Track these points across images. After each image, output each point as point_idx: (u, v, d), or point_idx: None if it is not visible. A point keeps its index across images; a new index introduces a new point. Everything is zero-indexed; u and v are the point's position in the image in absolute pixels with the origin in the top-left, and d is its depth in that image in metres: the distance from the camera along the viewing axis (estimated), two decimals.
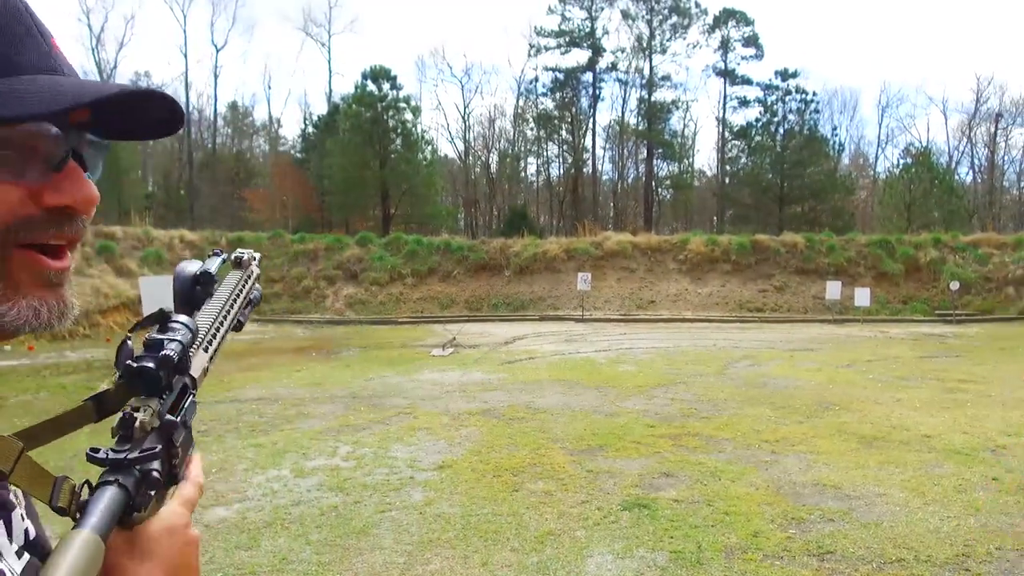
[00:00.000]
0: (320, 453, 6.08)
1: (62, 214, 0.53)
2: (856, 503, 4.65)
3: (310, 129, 44.88)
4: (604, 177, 50.72)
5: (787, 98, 40.34)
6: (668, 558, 3.87)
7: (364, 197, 37.03)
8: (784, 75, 40.66)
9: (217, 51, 47.30)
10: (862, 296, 20.56)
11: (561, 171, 50.44)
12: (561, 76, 45.86)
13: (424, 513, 4.60)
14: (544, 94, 47.44)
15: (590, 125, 47.04)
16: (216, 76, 52.72)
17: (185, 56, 44.81)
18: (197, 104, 48.00)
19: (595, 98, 46.22)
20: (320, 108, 47.69)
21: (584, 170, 47.11)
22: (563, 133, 47.95)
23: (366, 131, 35.86)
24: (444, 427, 7.09)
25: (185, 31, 45.13)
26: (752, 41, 44.65)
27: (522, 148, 51.31)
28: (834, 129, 44.69)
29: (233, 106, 50.81)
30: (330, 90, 45.79)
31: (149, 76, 48.29)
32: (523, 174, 52.68)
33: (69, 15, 41.71)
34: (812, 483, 5.12)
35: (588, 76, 45.74)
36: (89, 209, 0.55)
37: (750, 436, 6.64)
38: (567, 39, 45.30)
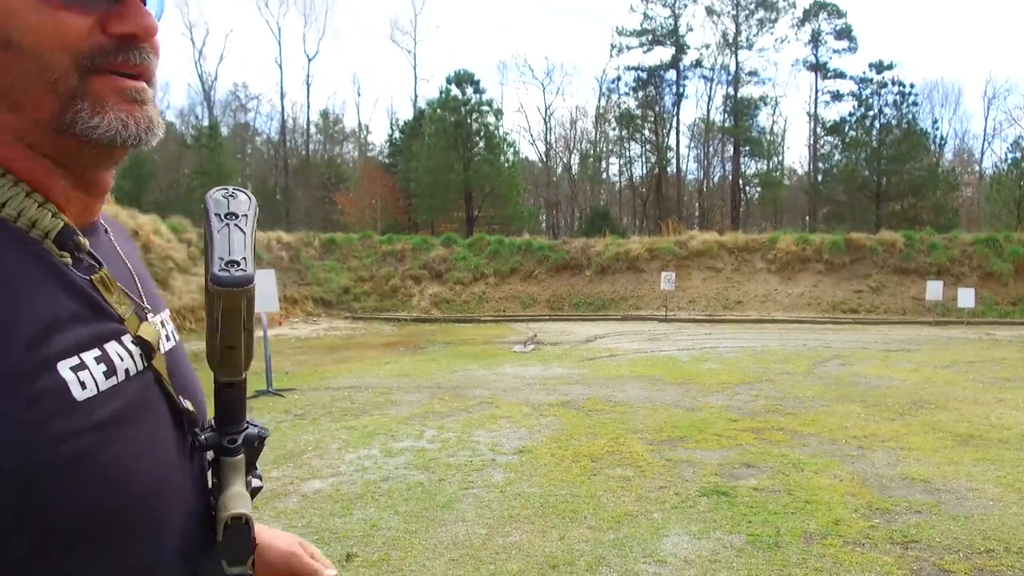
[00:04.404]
0: (407, 436, 6.37)
1: (128, 42, 0.59)
2: (946, 496, 4.51)
3: (396, 134, 46.22)
4: (689, 176, 49.91)
5: (883, 91, 38.39)
6: (745, 540, 3.89)
7: (448, 199, 37.82)
8: (879, 67, 38.76)
9: (309, 61, 49.56)
10: (966, 297, 19.41)
11: (644, 171, 49.91)
12: (644, 75, 45.43)
13: (504, 492, 4.78)
14: (626, 93, 47.16)
15: (674, 123, 46.42)
16: (308, 85, 55.07)
17: (280, 67, 47.14)
18: (291, 112, 50.28)
19: (679, 96, 45.55)
20: (406, 114, 49.11)
21: (668, 169, 46.47)
22: (646, 132, 47.43)
23: (450, 135, 36.62)
24: (524, 416, 7.27)
25: (280, 42, 47.41)
26: (845, 33, 42.88)
27: (604, 148, 51.12)
28: (935, 122, 42.30)
29: (324, 114, 52.95)
30: (415, 96, 47.19)
31: (247, 87, 50.86)
32: (605, 174, 52.47)
33: (173, 30, 44.76)
34: (900, 477, 4.99)
35: (671, 74, 45.14)
36: (150, 37, 0.61)
37: (837, 432, 6.49)
38: (649, 37, 44.84)
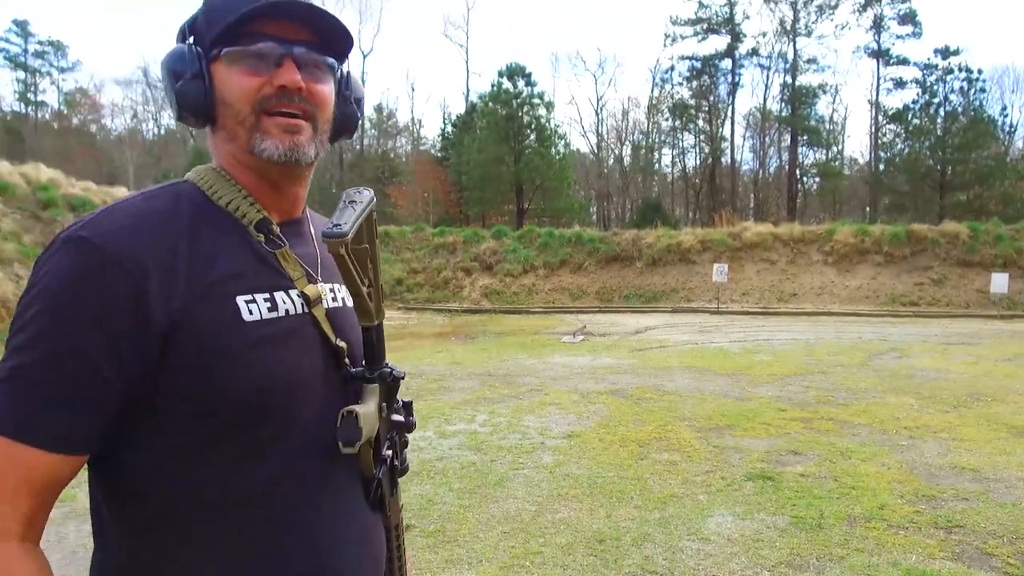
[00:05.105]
0: (460, 419, 6.62)
1: (282, 92, 0.87)
2: (995, 485, 4.51)
3: (449, 128, 46.67)
4: (744, 166, 48.93)
5: (948, 77, 36.85)
6: (789, 522, 3.99)
7: (499, 192, 38.07)
8: (945, 53, 37.24)
9: (364, 58, 50.25)
10: None
11: (697, 161, 49.21)
12: (698, 64, 44.68)
13: (554, 472, 4.97)
14: (680, 83, 46.52)
15: (729, 113, 45.59)
16: (363, 82, 55.83)
17: None
18: None
19: (734, 85, 44.68)
20: (458, 107, 49.54)
21: (722, 159, 45.71)
22: (700, 122, 46.70)
23: (502, 128, 36.82)
24: (573, 403, 7.44)
25: None
26: (909, 18, 41.33)
27: (656, 139, 50.60)
28: (1003, 109, 40.46)
29: (379, 109, 53.77)
30: (468, 89, 47.62)
31: None
32: (657, 165, 51.93)
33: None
34: (949, 466, 4.99)
35: (727, 63, 44.29)
36: (295, 85, 0.87)
37: (888, 423, 6.47)
38: (704, 26, 44.06)
